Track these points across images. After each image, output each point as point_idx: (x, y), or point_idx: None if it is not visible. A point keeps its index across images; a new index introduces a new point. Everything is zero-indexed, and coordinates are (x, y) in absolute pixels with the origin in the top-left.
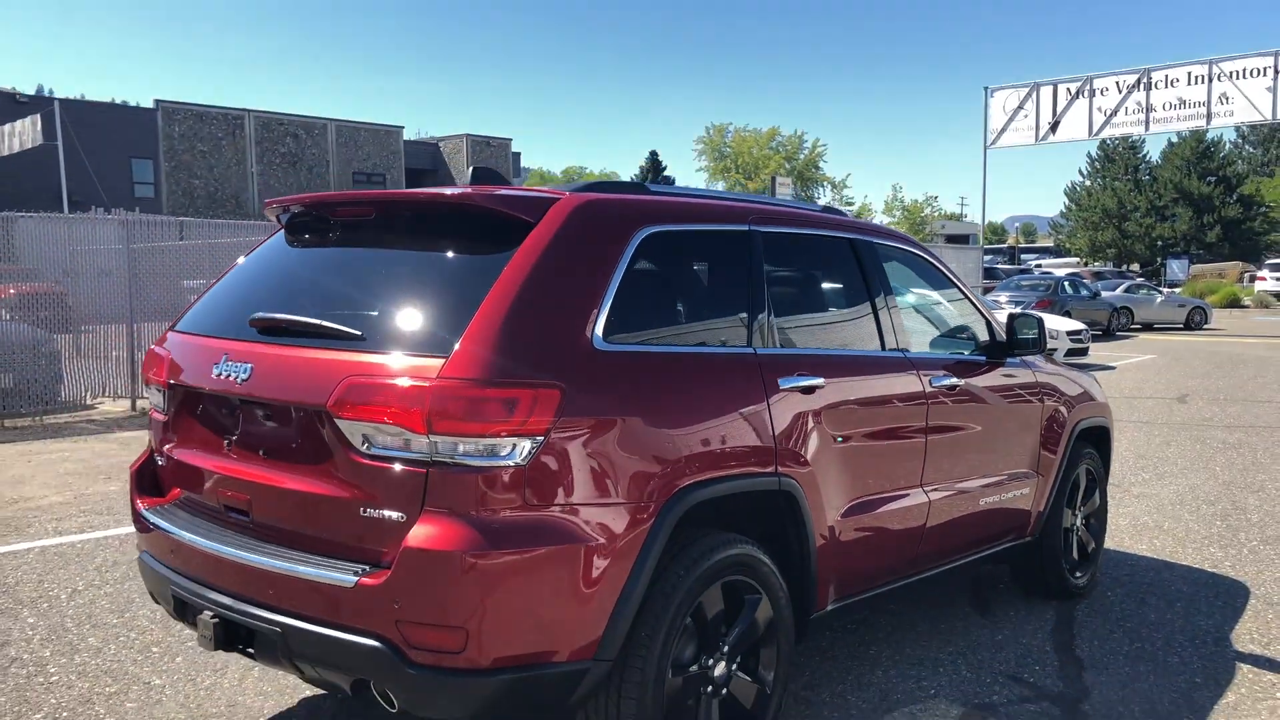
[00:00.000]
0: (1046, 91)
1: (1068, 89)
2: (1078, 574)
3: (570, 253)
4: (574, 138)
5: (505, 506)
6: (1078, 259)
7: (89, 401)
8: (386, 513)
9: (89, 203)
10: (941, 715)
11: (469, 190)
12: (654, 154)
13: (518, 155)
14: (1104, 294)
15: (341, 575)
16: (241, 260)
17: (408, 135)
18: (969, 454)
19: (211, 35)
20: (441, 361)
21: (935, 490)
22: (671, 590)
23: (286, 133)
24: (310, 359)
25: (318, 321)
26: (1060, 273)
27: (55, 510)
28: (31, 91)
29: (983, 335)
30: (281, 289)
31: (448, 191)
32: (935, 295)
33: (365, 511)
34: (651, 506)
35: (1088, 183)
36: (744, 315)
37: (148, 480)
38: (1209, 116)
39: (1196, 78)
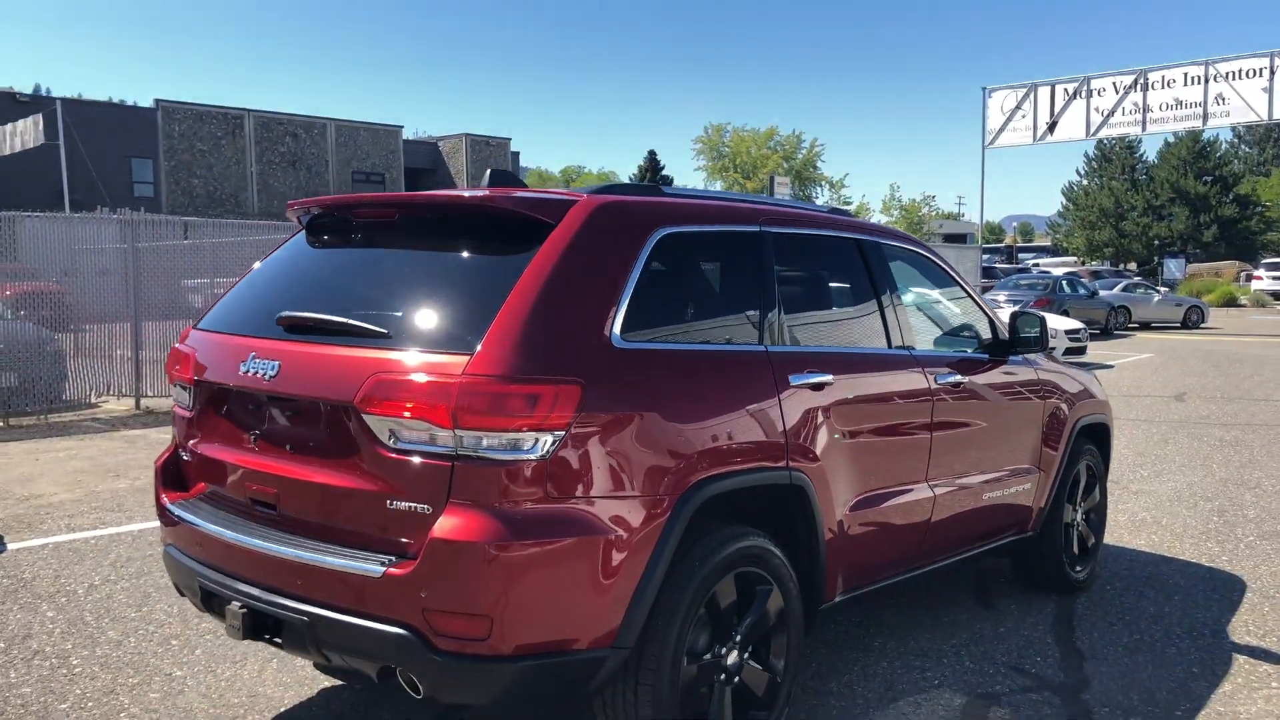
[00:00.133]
0: (1044, 92)
1: (1065, 89)
2: (1078, 568)
3: (589, 253)
4: (572, 137)
5: (528, 499)
6: (1075, 258)
7: (93, 400)
8: (413, 505)
9: (89, 202)
10: (946, 705)
11: (490, 192)
12: (652, 153)
13: (517, 154)
14: (1102, 293)
15: (369, 566)
16: (256, 265)
17: (407, 135)
18: (972, 450)
19: (210, 35)
20: (466, 359)
21: (940, 485)
22: (687, 581)
23: (286, 132)
24: (337, 356)
25: (344, 320)
26: (1058, 272)
27: (67, 507)
28: (29, 91)
29: (985, 333)
30: (306, 289)
31: (469, 194)
32: (939, 294)
33: (392, 504)
34: (668, 500)
35: (1085, 182)
36: (755, 313)
37: (172, 475)
38: (1205, 117)
39: (1193, 78)
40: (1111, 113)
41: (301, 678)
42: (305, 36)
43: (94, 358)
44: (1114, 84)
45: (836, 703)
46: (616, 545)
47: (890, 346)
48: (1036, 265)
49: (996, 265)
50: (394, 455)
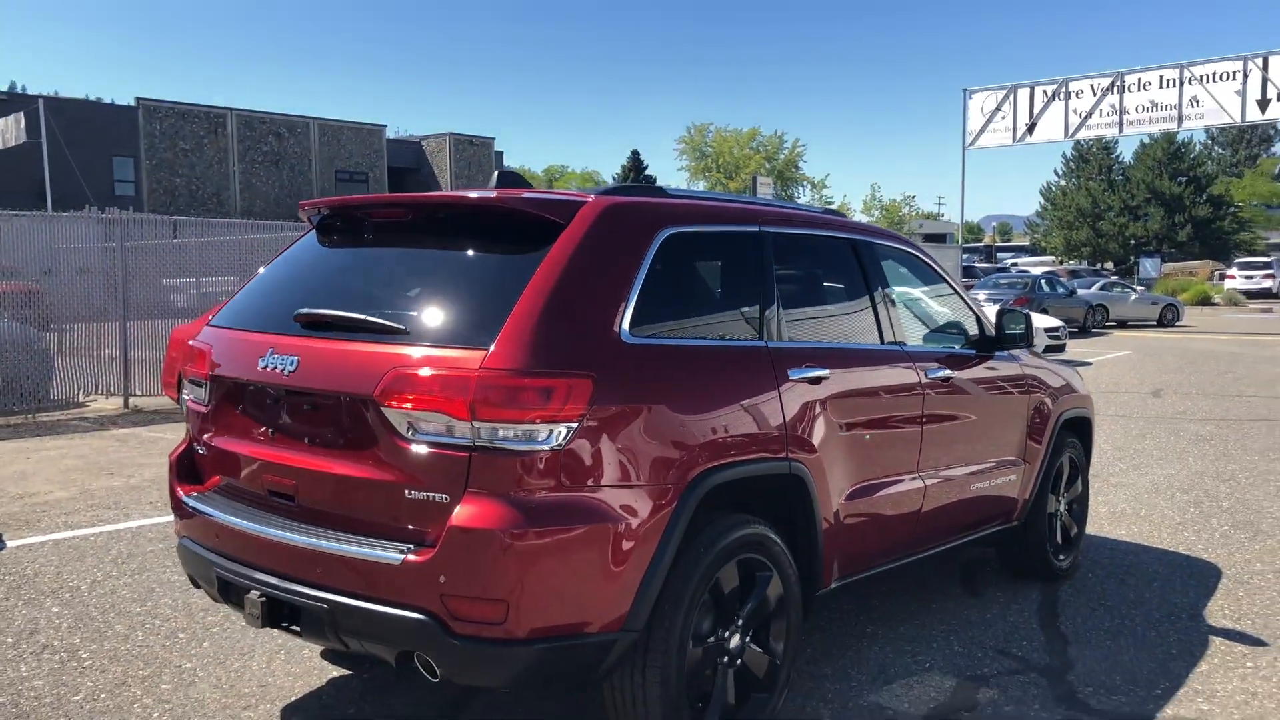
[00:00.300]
0: (1024, 93)
1: (1044, 91)
2: (1061, 556)
3: (599, 252)
4: (555, 136)
5: (542, 488)
6: (1053, 258)
7: (81, 399)
8: (431, 494)
9: (71, 201)
10: (937, 687)
11: (501, 193)
12: (635, 153)
13: (500, 154)
14: (1080, 292)
15: (388, 553)
16: (261, 270)
17: (390, 134)
18: (961, 442)
19: (190, 33)
20: (483, 353)
21: (930, 476)
22: (692, 567)
23: (269, 131)
24: (356, 352)
25: (362, 316)
26: (1037, 271)
27: (63, 505)
28: (4, 88)
29: (973, 330)
30: (321, 287)
31: (481, 194)
32: (929, 292)
33: (410, 493)
34: (675, 489)
35: (1063, 183)
36: (755, 310)
37: (187, 469)
38: (1180, 119)
39: (1168, 81)
40: (1089, 114)
41: (310, 668)
42: (288, 35)
43: (81, 357)
44: (1091, 86)
45: (832, 686)
46: (626, 533)
47: (883, 342)
48: (1015, 264)
49: (976, 265)
50: (412, 446)
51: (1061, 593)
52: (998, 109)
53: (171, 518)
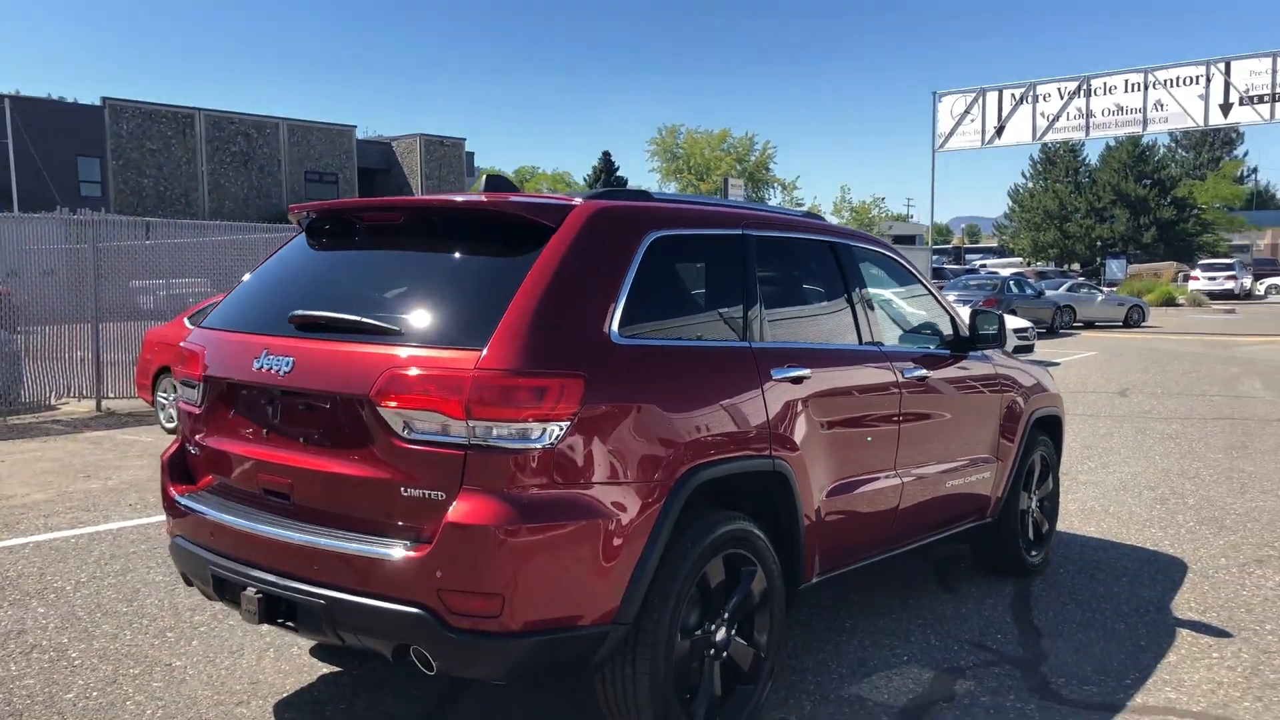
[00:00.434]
0: (992, 97)
1: (1012, 94)
2: (1033, 552)
3: (589, 254)
4: (526, 138)
5: (535, 485)
6: (1021, 259)
7: (53, 402)
8: (426, 492)
9: (37, 201)
10: (915, 678)
11: (492, 197)
12: (606, 154)
13: (471, 155)
14: (1047, 293)
15: (385, 550)
16: (246, 277)
17: (360, 135)
18: (936, 440)
19: (158, 32)
20: (477, 354)
21: (907, 474)
22: (680, 561)
23: (238, 131)
24: (351, 353)
25: (357, 318)
26: (1005, 273)
27: (41, 507)
28: None
29: (947, 330)
30: (314, 289)
31: (472, 198)
32: (905, 293)
33: (406, 491)
34: (663, 486)
35: (1030, 184)
36: (739, 311)
37: (179, 469)
38: (1145, 123)
39: (1133, 85)
40: (1056, 117)
41: (300, 665)
42: (256, 35)
43: (52, 359)
44: (1059, 89)
45: (813, 679)
46: (617, 528)
47: (861, 342)
48: (984, 266)
49: (946, 266)
50: (408, 445)
51: (1034, 587)
52: (967, 112)
53: (152, 519)
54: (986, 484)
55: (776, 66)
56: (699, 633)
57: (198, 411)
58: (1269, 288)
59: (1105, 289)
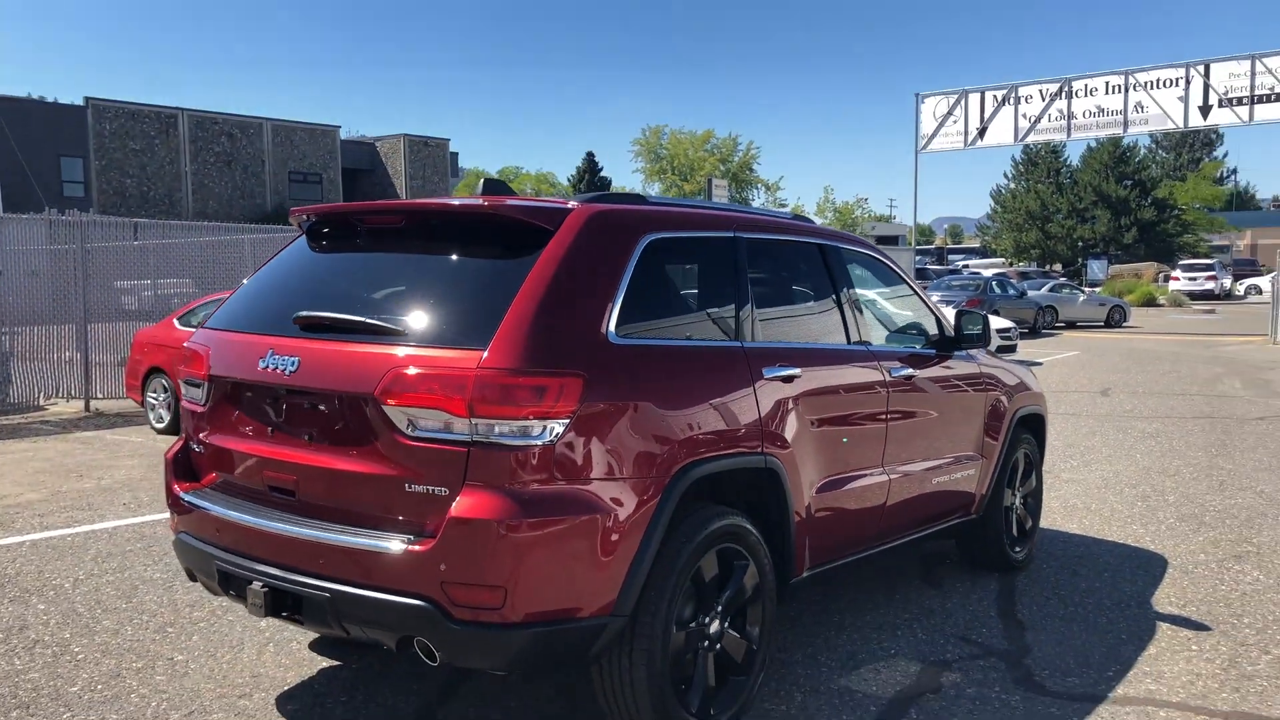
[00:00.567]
0: (975, 98)
1: (994, 96)
2: (1017, 548)
3: (587, 257)
4: (509, 138)
5: (536, 481)
6: (1004, 259)
7: (41, 403)
8: (430, 487)
9: (18, 201)
10: (903, 671)
11: (492, 201)
12: (590, 155)
13: (455, 155)
14: (1030, 294)
15: (389, 544)
16: (245, 281)
17: (344, 135)
18: (923, 438)
19: (140, 31)
20: (480, 353)
21: (894, 471)
22: (676, 555)
23: (221, 132)
24: (356, 353)
25: (362, 319)
26: (988, 273)
27: (35, 507)
28: None
29: (933, 330)
30: (317, 291)
31: (472, 202)
32: (891, 294)
33: (410, 487)
34: (659, 482)
35: (1012, 185)
36: (731, 311)
37: (183, 466)
38: (1125, 124)
39: (1113, 87)
40: (1038, 119)
41: (300, 659)
42: (239, 35)
43: (40, 360)
44: (1040, 91)
45: (803, 671)
46: (615, 523)
47: (849, 342)
48: (967, 266)
49: (929, 266)
50: (412, 442)
51: (1018, 583)
52: (949, 113)
53: (146, 518)
54: (971, 481)
55: (760, 67)
56: (694, 625)
57: (202, 410)
58: (1248, 288)
59: (1087, 289)
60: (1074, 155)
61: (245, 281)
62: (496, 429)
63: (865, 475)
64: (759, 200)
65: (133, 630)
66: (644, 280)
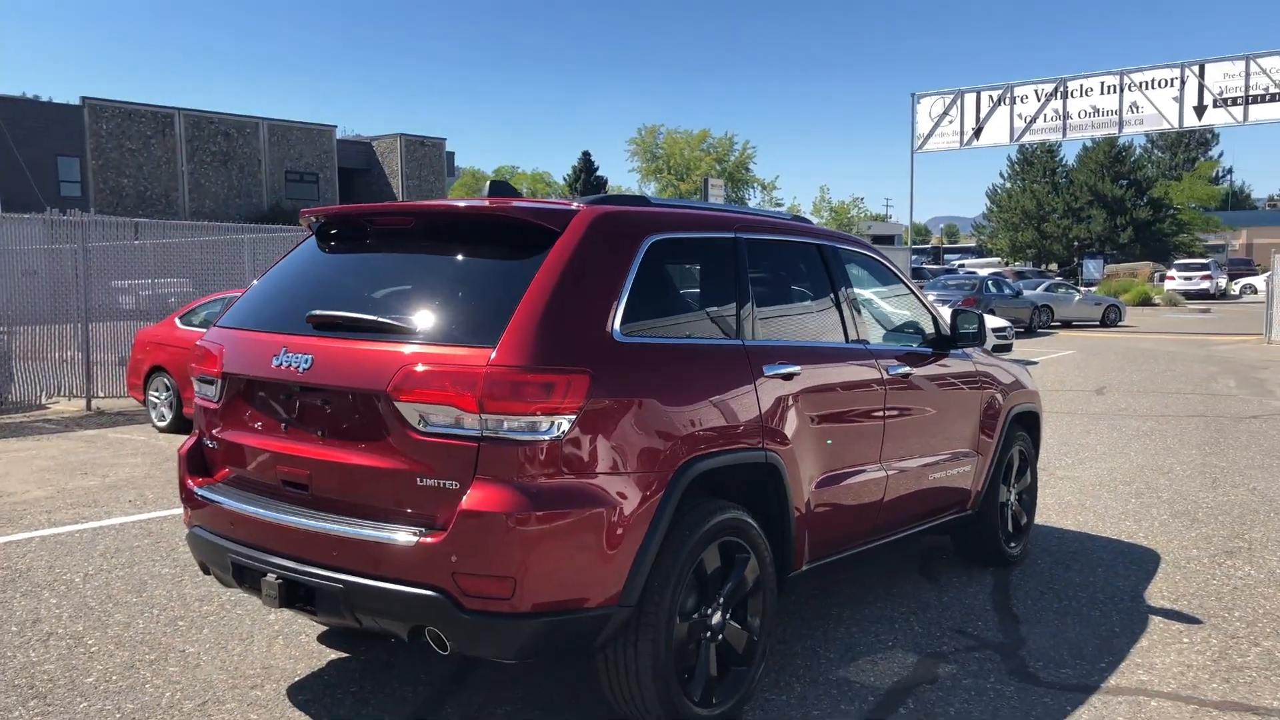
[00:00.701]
0: (970, 98)
1: (990, 96)
2: (1012, 544)
3: (593, 257)
4: (506, 137)
5: (544, 475)
6: (999, 259)
7: (43, 402)
8: (441, 481)
9: (15, 201)
10: (900, 662)
11: (498, 203)
12: (586, 154)
13: (451, 155)
14: (1025, 293)
15: (402, 536)
16: (255, 283)
17: (340, 134)
18: (919, 435)
19: (137, 31)
20: (490, 351)
21: (891, 467)
22: (679, 548)
23: (217, 131)
24: (368, 351)
25: (374, 318)
26: (984, 272)
27: (42, 504)
28: None
29: (929, 329)
30: (328, 290)
31: (479, 203)
32: (889, 293)
33: (421, 480)
34: (663, 476)
35: (1008, 185)
36: (733, 310)
37: (196, 461)
38: (1121, 124)
39: (1109, 87)
40: (1034, 119)
41: (309, 651)
42: (236, 34)
43: (41, 359)
44: (1036, 91)
45: (803, 663)
46: (620, 516)
47: (847, 340)
48: (962, 266)
49: (925, 266)
50: (424, 438)
51: (1013, 577)
52: (945, 113)
53: (153, 515)
54: (967, 477)
55: (756, 67)
56: (696, 616)
57: (216, 407)
58: (1244, 287)
59: (1082, 289)
60: (1070, 155)
61: (256, 281)
62: (506, 424)
63: (863, 471)
64: (755, 200)
65: (144, 623)
66: (648, 280)
